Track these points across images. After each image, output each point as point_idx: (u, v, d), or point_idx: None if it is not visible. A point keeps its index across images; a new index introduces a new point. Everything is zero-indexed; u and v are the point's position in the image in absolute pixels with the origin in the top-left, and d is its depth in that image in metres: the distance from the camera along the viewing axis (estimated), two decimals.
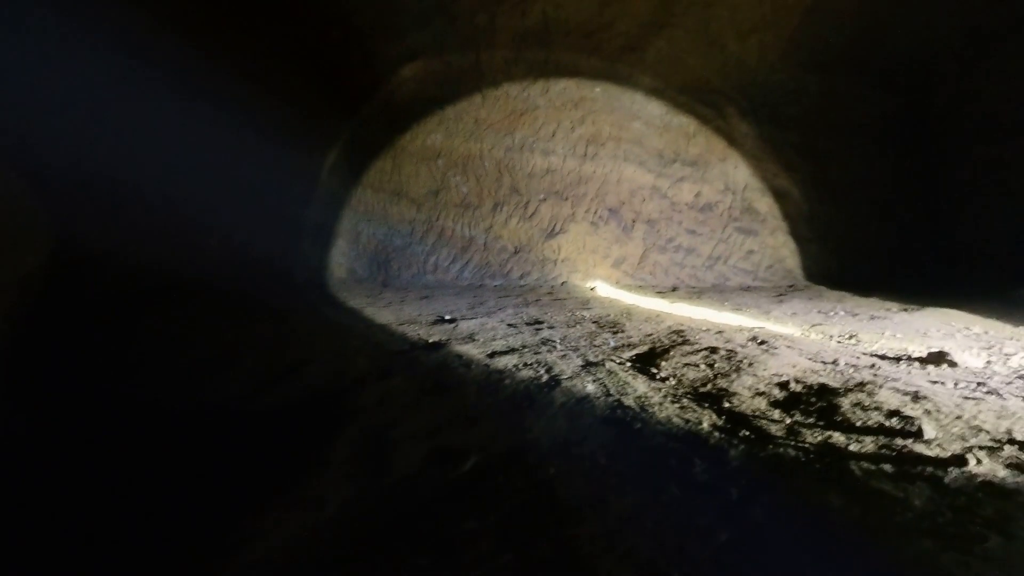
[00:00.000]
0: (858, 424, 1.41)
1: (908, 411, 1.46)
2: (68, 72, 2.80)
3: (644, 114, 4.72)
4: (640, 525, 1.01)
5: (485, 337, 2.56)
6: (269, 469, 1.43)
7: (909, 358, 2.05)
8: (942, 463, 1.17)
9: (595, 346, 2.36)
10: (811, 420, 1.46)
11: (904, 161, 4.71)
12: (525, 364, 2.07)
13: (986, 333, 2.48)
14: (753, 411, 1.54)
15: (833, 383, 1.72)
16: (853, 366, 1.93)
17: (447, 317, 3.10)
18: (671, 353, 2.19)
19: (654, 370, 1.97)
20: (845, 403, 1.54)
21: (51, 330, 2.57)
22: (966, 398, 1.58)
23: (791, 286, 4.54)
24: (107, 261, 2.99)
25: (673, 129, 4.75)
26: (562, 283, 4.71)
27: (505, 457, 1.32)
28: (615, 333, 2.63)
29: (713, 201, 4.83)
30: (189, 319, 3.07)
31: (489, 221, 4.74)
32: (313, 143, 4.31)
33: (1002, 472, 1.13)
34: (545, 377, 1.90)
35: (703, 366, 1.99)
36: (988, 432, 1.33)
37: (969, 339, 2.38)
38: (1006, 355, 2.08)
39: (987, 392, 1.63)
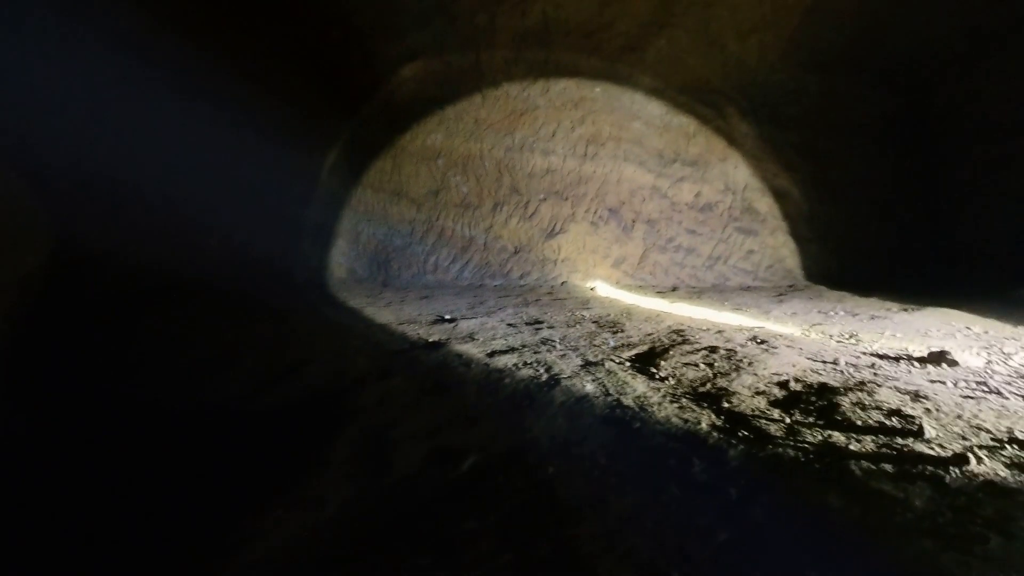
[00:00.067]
0: (858, 423, 1.40)
1: (908, 410, 1.46)
2: (68, 72, 2.80)
3: (644, 114, 4.72)
4: (639, 525, 1.00)
5: (485, 337, 2.56)
6: (269, 469, 1.43)
7: (909, 358, 2.04)
8: (943, 462, 1.17)
9: (595, 346, 2.36)
10: (811, 419, 1.46)
11: (904, 161, 4.71)
12: (525, 363, 2.07)
13: (986, 333, 2.48)
14: (752, 411, 1.54)
15: (833, 382, 1.72)
16: (853, 365, 1.93)
17: (447, 317, 3.10)
18: (670, 353, 2.18)
19: (653, 370, 1.97)
20: (845, 402, 1.54)
21: (51, 330, 2.57)
22: (966, 397, 1.58)
23: (791, 286, 4.53)
24: (107, 261, 2.99)
25: (673, 129, 4.75)
26: (562, 283, 4.71)
27: (505, 457, 1.32)
28: (615, 333, 2.63)
29: (713, 201, 4.83)
30: (189, 319, 3.07)
31: (489, 221, 4.74)
32: (313, 143, 4.31)
33: (1003, 471, 1.12)
34: (545, 376, 1.90)
35: (702, 366, 1.99)
36: (989, 431, 1.33)
37: (969, 339, 2.38)
38: (1006, 354, 2.08)
39: (988, 391, 1.63)
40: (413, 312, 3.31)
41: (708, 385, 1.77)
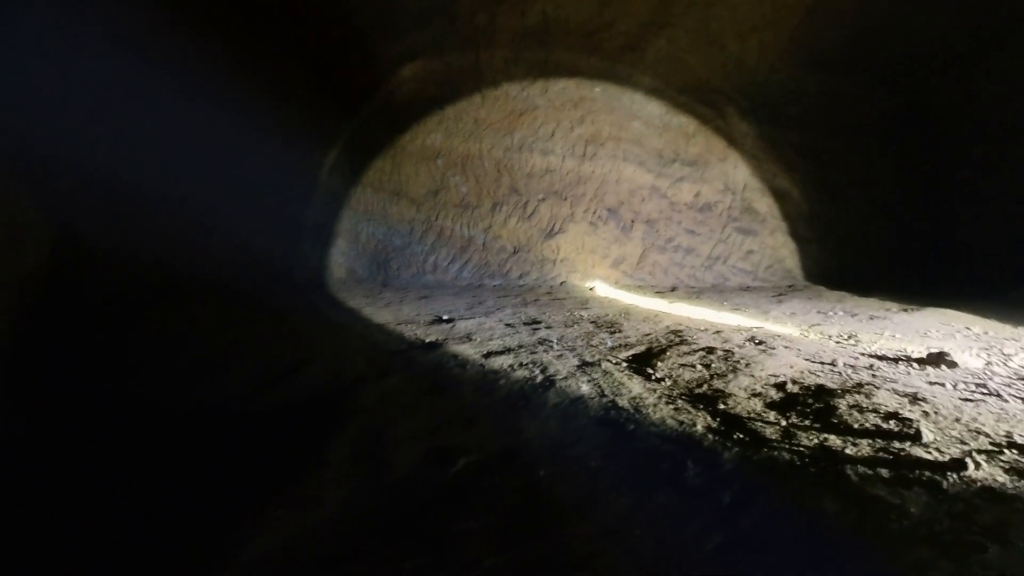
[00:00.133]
0: (855, 427, 1.40)
1: (906, 413, 1.45)
2: (68, 72, 2.80)
3: (644, 114, 4.71)
4: (630, 530, 1.00)
5: (482, 337, 2.56)
6: (269, 469, 1.43)
7: (908, 359, 2.04)
8: (940, 467, 1.16)
9: (592, 346, 2.36)
10: (807, 422, 1.46)
11: (904, 161, 4.69)
12: (521, 364, 2.07)
13: (986, 333, 2.47)
14: (748, 413, 1.54)
15: (831, 384, 1.72)
16: (851, 367, 1.93)
17: (445, 317, 3.10)
18: (668, 353, 2.18)
19: (650, 370, 1.97)
20: (842, 405, 1.54)
21: (51, 330, 2.58)
22: (965, 400, 1.57)
23: (790, 286, 4.53)
24: (107, 261, 3.00)
25: (673, 129, 4.74)
26: (561, 283, 4.71)
27: (499, 458, 1.33)
28: (612, 333, 2.63)
29: (712, 201, 4.82)
30: (189, 319, 3.08)
31: (488, 221, 4.74)
32: (313, 143, 4.31)
33: (1001, 477, 1.11)
34: (540, 378, 1.90)
35: (699, 367, 1.99)
36: (987, 435, 1.32)
37: (969, 339, 2.38)
38: (1006, 356, 2.08)
39: (987, 394, 1.63)
40: (412, 312, 3.31)
41: (704, 386, 1.77)
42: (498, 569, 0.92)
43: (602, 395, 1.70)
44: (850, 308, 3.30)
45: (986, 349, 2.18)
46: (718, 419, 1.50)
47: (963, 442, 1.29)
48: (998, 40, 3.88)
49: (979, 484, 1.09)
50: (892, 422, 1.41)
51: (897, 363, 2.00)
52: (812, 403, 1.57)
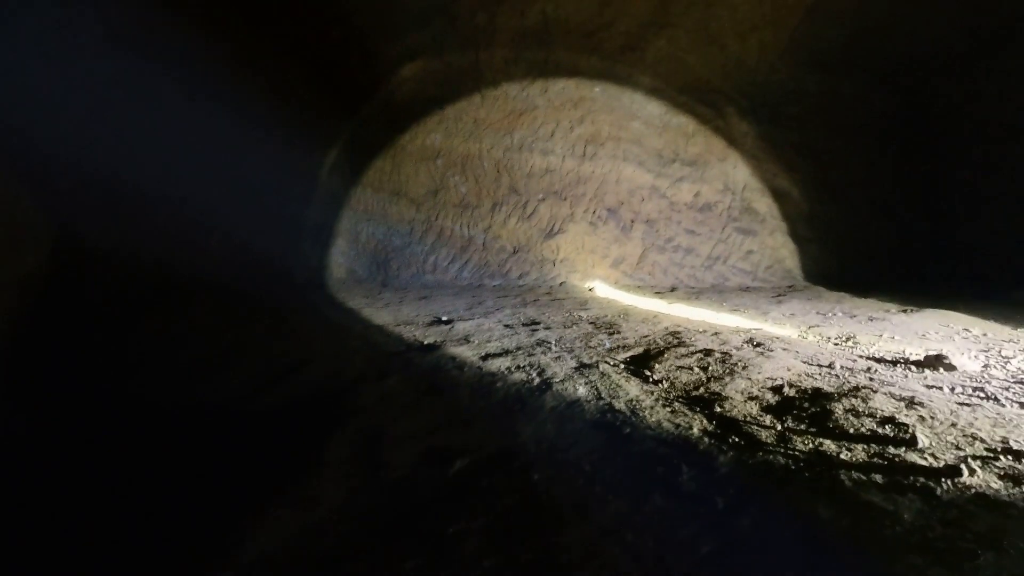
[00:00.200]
0: (851, 431, 1.40)
1: (902, 418, 1.45)
2: (68, 71, 2.80)
3: (643, 114, 4.70)
4: (621, 535, 1.01)
5: (480, 339, 2.57)
6: (269, 469, 1.44)
7: (906, 361, 2.04)
8: (935, 473, 1.16)
9: (590, 347, 2.36)
10: (803, 426, 1.46)
11: (904, 161, 4.68)
12: (518, 367, 2.07)
13: (985, 335, 2.47)
14: (745, 416, 1.54)
15: (827, 387, 1.72)
16: (849, 370, 1.93)
17: (443, 318, 3.10)
18: (665, 355, 2.18)
19: (648, 372, 1.97)
20: (838, 409, 1.54)
21: (51, 330, 2.59)
22: (962, 404, 1.57)
23: (790, 286, 4.52)
24: (107, 261, 3.01)
25: (672, 129, 4.73)
26: (561, 283, 4.71)
27: (497, 460, 1.33)
28: (611, 334, 2.63)
29: (712, 201, 4.81)
30: (189, 319, 3.09)
31: (488, 221, 4.74)
32: (313, 143, 4.31)
33: (996, 484, 1.10)
34: (537, 380, 1.90)
35: (697, 369, 1.99)
36: (983, 441, 1.31)
37: (968, 341, 2.37)
38: (1005, 358, 2.07)
39: (984, 398, 1.62)
40: (411, 313, 3.32)
41: (701, 389, 1.77)
42: (496, 569, 0.93)
43: (599, 398, 1.71)
44: (849, 309, 3.30)
45: (985, 351, 2.18)
46: (714, 422, 1.50)
47: (958, 448, 1.28)
48: (998, 40, 3.87)
49: (973, 491, 1.08)
50: (888, 427, 1.41)
51: (895, 366, 1.99)
52: (808, 407, 1.57)
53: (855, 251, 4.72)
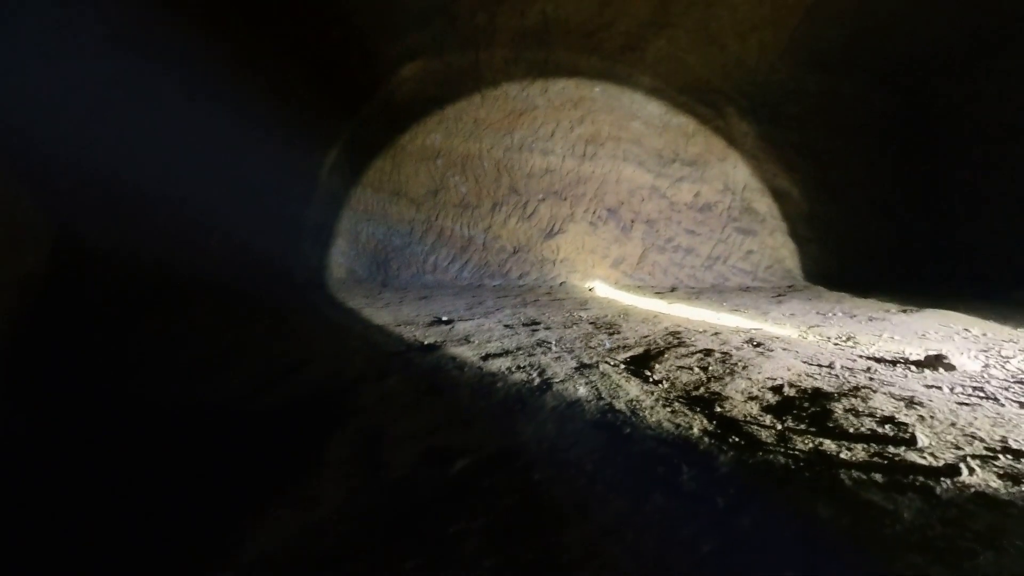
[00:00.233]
0: (850, 431, 1.40)
1: (902, 417, 1.45)
2: (68, 71, 2.80)
3: (643, 114, 4.70)
4: (622, 535, 1.01)
5: (480, 339, 2.57)
6: (269, 469, 1.44)
7: (906, 361, 2.04)
8: (934, 472, 1.16)
9: (590, 348, 2.36)
10: (803, 426, 1.46)
11: (904, 161, 4.68)
12: (518, 367, 2.07)
13: (984, 335, 2.47)
14: (745, 416, 1.54)
15: (827, 387, 1.72)
16: (849, 369, 1.93)
17: (444, 318, 3.10)
18: (666, 355, 2.19)
19: (648, 373, 1.97)
20: (838, 408, 1.54)
21: (51, 330, 2.59)
22: (962, 404, 1.57)
23: (790, 286, 4.52)
24: (107, 261, 3.01)
25: (672, 129, 4.73)
26: (561, 283, 4.71)
27: (495, 461, 1.33)
28: (611, 334, 2.63)
29: (712, 201, 4.82)
30: (189, 319, 3.09)
31: (488, 221, 4.75)
32: (313, 143, 4.31)
33: (995, 483, 1.11)
34: (537, 380, 1.90)
35: (697, 369, 1.99)
36: (983, 440, 1.31)
37: (968, 341, 2.37)
38: (1004, 358, 2.07)
39: (984, 397, 1.62)
40: (411, 313, 3.32)
41: (702, 389, 1.77)
42: (497, 569, 0.93)
43: (599, 398, 1.71)
44: (849, 309, 3.30)
45: (984, 351, 2.18)
46: (714, 422, 1.50)
47: (958, 447, 1.28)
48: (998, 40, 3.87)
49: (973, 490, 1.09)
50: (888, 426, 1.41)
51: (895, 366, 1.99)
52: (808, 407, 1.57)
53: (855, 251, 4.72)
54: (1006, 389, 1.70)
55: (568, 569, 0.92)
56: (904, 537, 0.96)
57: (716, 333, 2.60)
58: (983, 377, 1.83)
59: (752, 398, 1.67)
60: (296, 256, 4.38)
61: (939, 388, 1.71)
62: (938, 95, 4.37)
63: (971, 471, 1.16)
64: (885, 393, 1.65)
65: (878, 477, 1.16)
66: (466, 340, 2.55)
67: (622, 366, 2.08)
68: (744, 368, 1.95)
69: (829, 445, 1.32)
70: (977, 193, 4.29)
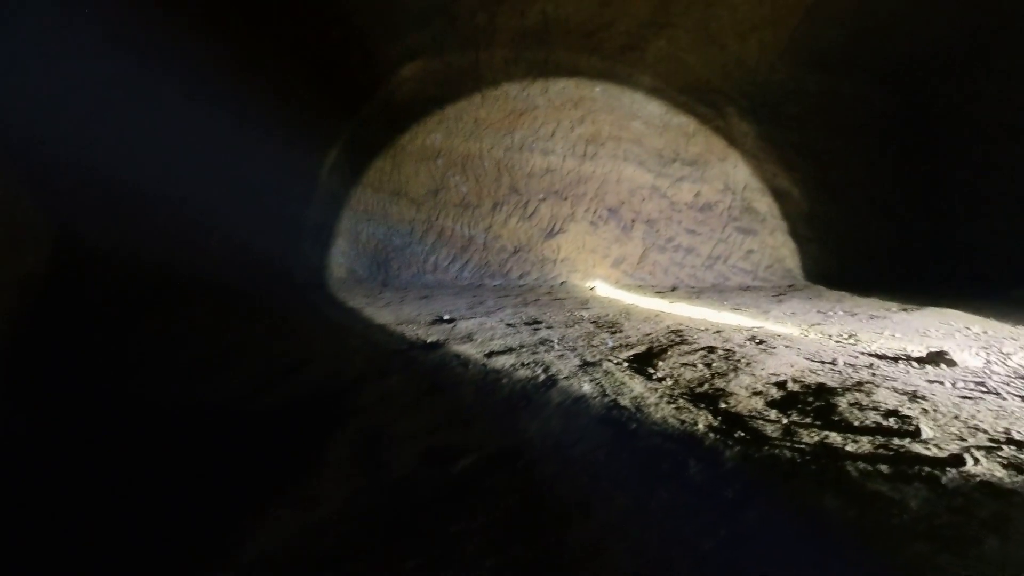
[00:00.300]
0: (855, 424, 1.40)
1: (906, 411, 1.46)
2: (68, 71, 2.80)
3: (644, 113, 4.72)
4: (631, 528, 1.00)
5: (483, 337, 2.57)
6: (269, 469, 1.43)
7: (908, 358, 2.04)
8: (939, 463, 1.17)
9: (593, 346, 2.36)
10: (808, 420, 1.46)
11: (904, 161, 4.70)
12: (522, 364, 2.07)
13: (985, 333, 2.47)
14: (750, 411, 1.54)
15: (831, 382, 1.72)
16: (851, 365, 1.93)
17: (446, 317, 3.10)
18: (669, 353, 2.19)
19: (651, 370, 1.97)
20: (843, 403, 1.54)
21: (51, 330, 2.58)
22: (964, 398, 1.58)
23: (791, 286, 4.53)
24: (107, 261, 3.00)
25: (673, 128, 4.74)
26: (561, 283, 4.71)
27: (500, 458, 1.33)
28: (613, 333, 2.63)
29: (713, 201, 4.83)
30: (189, 319, 3.08)
31: (488, 221, 4.75)
32: (313, 143, 4.31)
33: (1000, 472, 1.12)
34: (542, 377, 1.90)
35: (700, 366, 1.99)
36: (986, 432, 1.32)
37: (968, 339, 2.38)
38: (1005, 355, 2.08)
39: (986, 392, 1.63)
40: (412, 312, 3.31)
41: (706, 386, 1.77)
42: (500, 568, 0.92)
43: (604, 395, 1.70)
44: (850, 308, 3.31)
45: (985, 348, 2.19)
46: (719, 418, 1.50)
47: (962, 439, 1.29)
48: (998, 40, 3.89)
49: (978, 479, 1.09)
50: (892, 419, 1.41)
51: (897, 362, 2.00)
52: (813, 401, 1.57)
53: (855, 251, 4.73)
54: (1008, 384, 1.70)
55: (578, 562, 0.92)
56: (911, 526, 0.96)
57: (718, 331, 2.60)
58: (985, 373, 1.84)
59: (756, 393, 1.67)
60: (296, 256, 4.37)
61: (941, 383, 1.71)
62: (938, 95, 4.38)
63: (976, 461, 1.16)
64: (888, 388, 1.65)
65: (884, 468, 1.16)
66: (469, 338, 2.54)
67: (625, 364, 2.08)
68: (747, 364, 1.95)
69: (834, 438, 1.32)
70: (977, 193, 4.30)
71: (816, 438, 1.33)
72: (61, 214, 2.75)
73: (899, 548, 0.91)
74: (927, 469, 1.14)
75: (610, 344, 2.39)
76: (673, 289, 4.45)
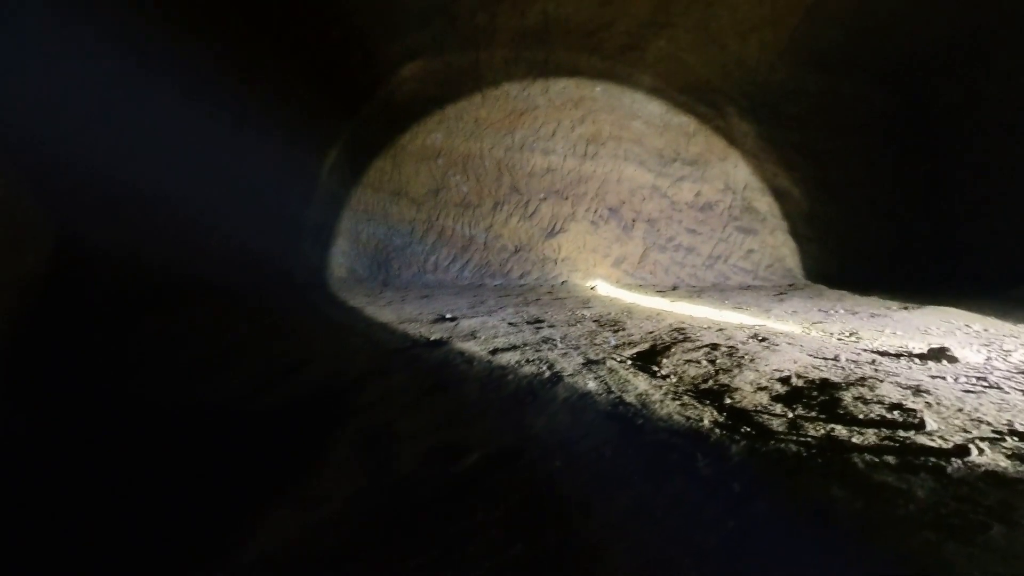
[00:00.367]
0: (860, 417, 1.40)
1: (910, 404, 1.46)
2: (68, 71, 2.80)
3: (644, 113, 4.73)
4: (645, 517, 1.00)
5: (487, 335, 2.56)
6: (269, 469, 1.42)
7: (910, 354, 2.05)
8: (944, 454, 1.17)
9: (596, 344, 2.36)
10: (813, 414, 1.46)
11: (904, 161, 4.72)
12: (527, 361, 2.07)
13: (986, 331, 2.48)
14: (755, 406, 1.54)
15: (834, 378, 1.72)
16: (854, 362, 1.93)
17: (448, 316, 3.10)
18: (672, 350, 2.18)
19: (655, 368, 1.97)
20: (847, 397, 1.54)
21: (51, 330, 2.57)
22: (967, 392, 1.58)
23: (791, 285, 4.54)
24: (107, 261, 2.99)
25: (673, 128, 4.76)
26: (562, 282, 4.71)
27: (508, 453, 1.32)
28: (616, 331, 2.63)
29: (713, 200, 4.84)
30: (189, 319, 3.07)
31: (489, 220, 4.75)
32: (313, 143, 4.31)
33: (1004, 462, 1.12)
34: (547, 373, 1.90)
35: (704, 363, 1.99)
36: (990, 424, 1.33)
37: (969, 336, 2.39)
38: (1006, 351, 2.08)
39: (988, 386, 1.63)
40: (414, 311, 3.31)
41: (710, 382, 1.77)
42: (509, 562, 0.91)
43: (609, 392, 1.70)
44: (851, 306, 3.32)
45: (986, 345, 2.19)
46: (725, 413, 1.50)
47: (966, 430, 1.30)
48: (999, 40, 3.91)
49: (983, 469, 1.10)
50: (896, 412, 1.41)
51: (899, 358, 2.00)
52: (817, 396, 1.57)
53: (855, 250, 4.74)
54: (1009, 379, 1.71)
55: (586, 556, 0.91)
56: (918, 516, 0.97)
57: (720, 329, 2.60)
58: (986, 368, 1.84)
59: (761, 389, 1.67)
60: (296, 256, 4.36)
61: (944, 378, 1.72)
62: (938, 95, 4.40)
63: (980, 451, 1.17)
64: (891, 383, 1.65)
65: (890, 459, 1.16)
66: (472, 336, 2.54)
67: (629, 362, 2.07)
68: (751, 361, 1.95)
69: (840, 431, 1.32)
70: (977, 193, 4.32)
71: (822, 431, 1.33)
72: (61, 214, 2.74)
73: (906, 537, 0.91)
74: (933, 460, 1.15)
75: (613, 342, 2.39)
76: (674, 288, 4.46)
